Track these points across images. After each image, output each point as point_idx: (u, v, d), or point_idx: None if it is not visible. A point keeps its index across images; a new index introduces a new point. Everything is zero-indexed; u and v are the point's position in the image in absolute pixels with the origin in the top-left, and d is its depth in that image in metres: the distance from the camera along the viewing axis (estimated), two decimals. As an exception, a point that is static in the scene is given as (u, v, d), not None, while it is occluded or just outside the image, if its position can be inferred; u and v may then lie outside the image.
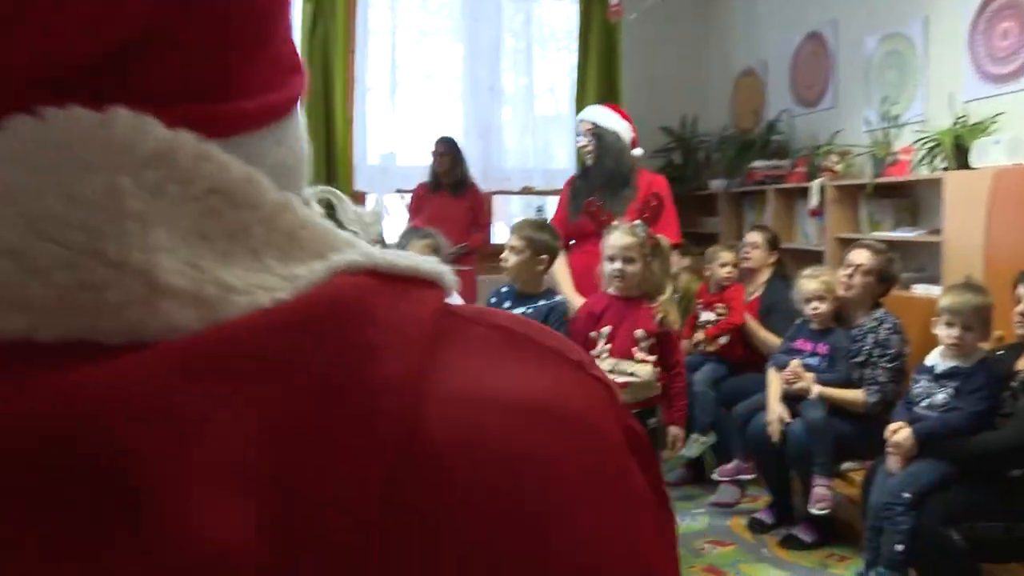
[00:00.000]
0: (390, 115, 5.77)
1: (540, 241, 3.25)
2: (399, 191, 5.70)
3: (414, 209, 5.31)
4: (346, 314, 0.36)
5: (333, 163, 5.61)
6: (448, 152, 5.18)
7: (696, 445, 3.95)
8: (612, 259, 3.07)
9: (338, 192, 0.65)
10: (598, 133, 3.84)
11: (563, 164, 5.91)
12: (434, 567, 0.33)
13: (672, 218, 3.76)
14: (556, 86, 6.13)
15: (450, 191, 5.16)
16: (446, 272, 0.45)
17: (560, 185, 5.42)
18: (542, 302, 3.23)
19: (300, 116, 0.49)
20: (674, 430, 3.16)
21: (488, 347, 0.43)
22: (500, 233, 5.84)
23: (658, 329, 3.07)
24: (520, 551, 0.35)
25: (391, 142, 5.84)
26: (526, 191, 6.08)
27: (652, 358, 3.04)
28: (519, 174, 5.95)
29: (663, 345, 3.09)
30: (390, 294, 0.39)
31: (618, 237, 3.07)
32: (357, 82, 5.72)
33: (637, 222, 3.14)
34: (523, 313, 3.21)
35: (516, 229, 3.28)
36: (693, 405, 3.90)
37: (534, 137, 5.95)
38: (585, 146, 3.84)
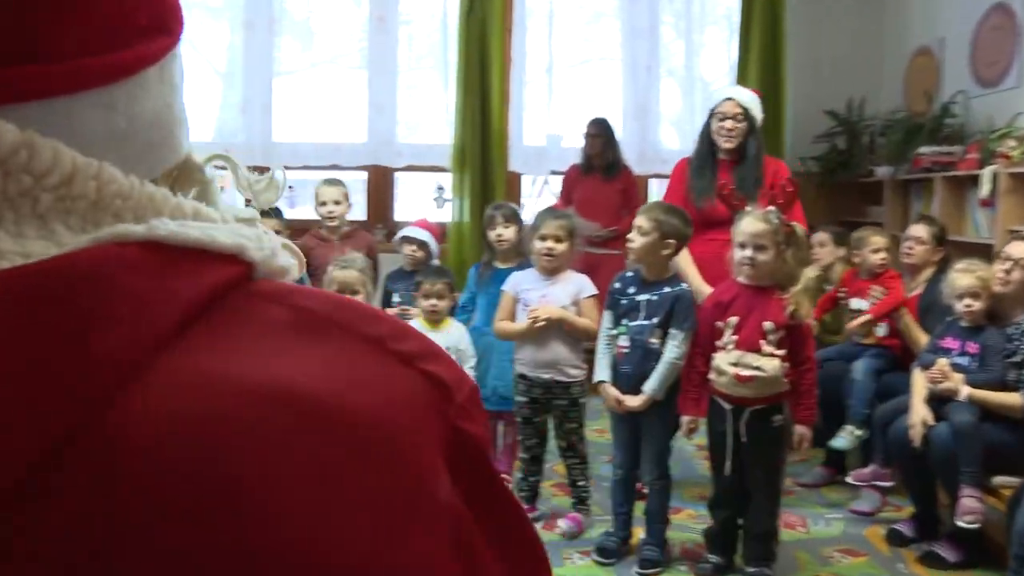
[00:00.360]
0: (547, 97, 5.77)
1: (669, 224, 3.14)
2: (553, 173, 5.69)
3: (565, 192, 5.30)
4: (74, 284, 0.35)
5: (488, 144, 5.66)
6: (600, 134, 5.12)
7: (849, 438, 3.73)
8: (743, 246, 2.94)
9: (232, 159, 0.63)
10: (749, 118, 3.71)
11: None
12: (86, 542, 0.32)
13: (798, 205, 3.60)
14: (716, 68, 5.93)
15: (602, 174, 5.11)
16: (254, 248, 0.43)
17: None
18: (667, 289, 3.14)
19: (160, 80, 0.47)
20: (800, 429, 3.00)
21: (272, 329, 0.41)
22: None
23: (788, 321, 2.91)
24: (202, 542, 0.33)
25: (550, 124, 5.85)
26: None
27: (780, 352, 2.90)
28: (676, 157, 5.77)
29: (793, 338, 2.94)
30: (153, 267, 0.38)
31: (749, 223, 2.93)
32: (514, 63, 5.75)
33: (771, 208, 2.99)
34: (646, 300, 3.14)
35: (645, 210, 3.19)
36: (849, 394, 3.72)
37: (692, 119, 5.78)
38: (732, 129, 3.69)
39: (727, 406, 2.97)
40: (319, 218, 4.28)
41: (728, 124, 3.66)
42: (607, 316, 3.25)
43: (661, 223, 3.15)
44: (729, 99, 3.73)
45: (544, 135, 5.84)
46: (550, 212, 3.54)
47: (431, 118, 5.92)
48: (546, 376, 3.41)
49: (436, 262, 4.18)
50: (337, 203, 4.15)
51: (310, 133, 5.90)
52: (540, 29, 5.74)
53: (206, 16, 6.09)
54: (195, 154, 0.59)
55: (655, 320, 3.12)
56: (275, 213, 4.12)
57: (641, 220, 3.15)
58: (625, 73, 5.72)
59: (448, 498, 0.42)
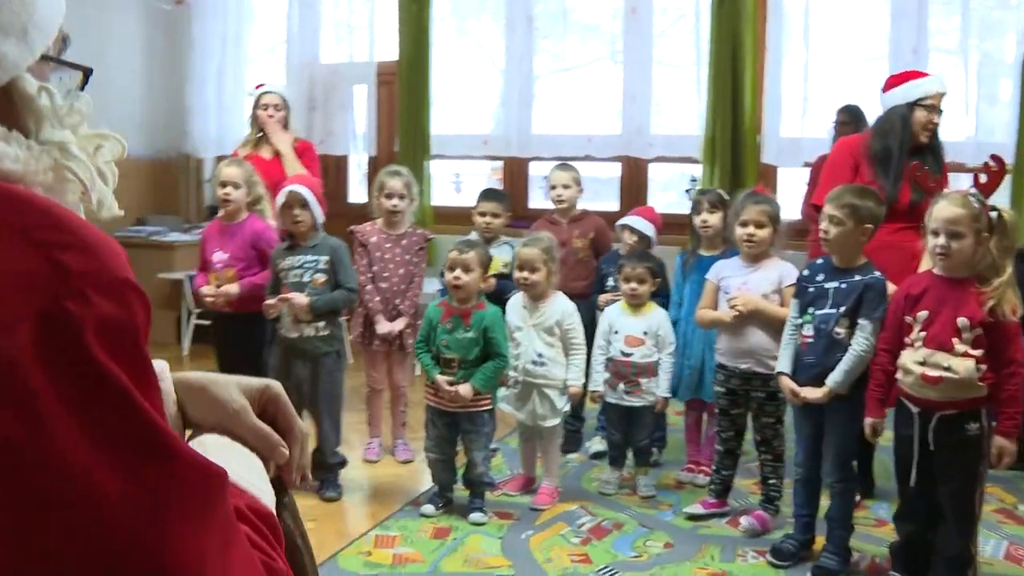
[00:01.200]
0: (804, 85, 5.49)
1: (865, 209, 2.94)
2: (807, 164, 5.40)
3: (812, 182, 5.03)
4: None
5: (739, 135, 5.52)
6: (850, 121, 4.81)
7: None
8: (936, 233, 2.65)
9: (48, 86, 0.79)
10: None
11: (1004, 136, 5.12)
12: None
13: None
14: (1002, 41, 5.29)
15: (854, 163, 4.79)
16: None
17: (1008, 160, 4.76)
18: (857, 277, 2.93)
19: None
20: (1000, 441, 2.65)
21: None
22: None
23: (987, 318, 2.59)
24: None
25: (808, 113, 5.57)
26: (957, 168, 5.37)
27: (976, 352, 2.59)
28: (948, 146, 5.27)
29: (994, 337, 2.61)
30: None
31: (944, 208, 2.65)
32: (769, 52, 5.54)
33: (972, 190, 2.68)
34: (835, 288, 2.94)
35: (835, 198, 2.98)
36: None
37: (967, 104, 5.23)
38: (936, 123, 3.41)
39: (915, 409, 2.71)
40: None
41: (936, 119, 3.36)
42: (794, 305, 3.09)
43: (857, 208, 2.95)
44: (943, 92, 3.40)
45: (801, 125, 5.57)
46: (751, 197, 3.41)
47: (684, 109, 5.87)
48: (743, 366, 3.30)
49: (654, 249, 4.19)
50: (566, 187, 4.24)
51: (566, 125, 6.08)
52: (797, 14, 5.47)
53: (489, 18, 6.46)
54: (28, 86, 0.75)
55: (842, 309, 2.92)
56: (497, 196, 4.29)
57: (831, 209, 2.95)
58: (890, 56, 5.29)
59: (10, 353, 0.53)
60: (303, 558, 1.25)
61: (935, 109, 3.37)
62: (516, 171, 6.38)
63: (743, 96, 5.49)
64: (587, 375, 3.66)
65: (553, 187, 4.27)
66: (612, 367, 3.65)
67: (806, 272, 3.08)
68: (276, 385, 0.97)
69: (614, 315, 3.71)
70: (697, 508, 3.48)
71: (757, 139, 5.55)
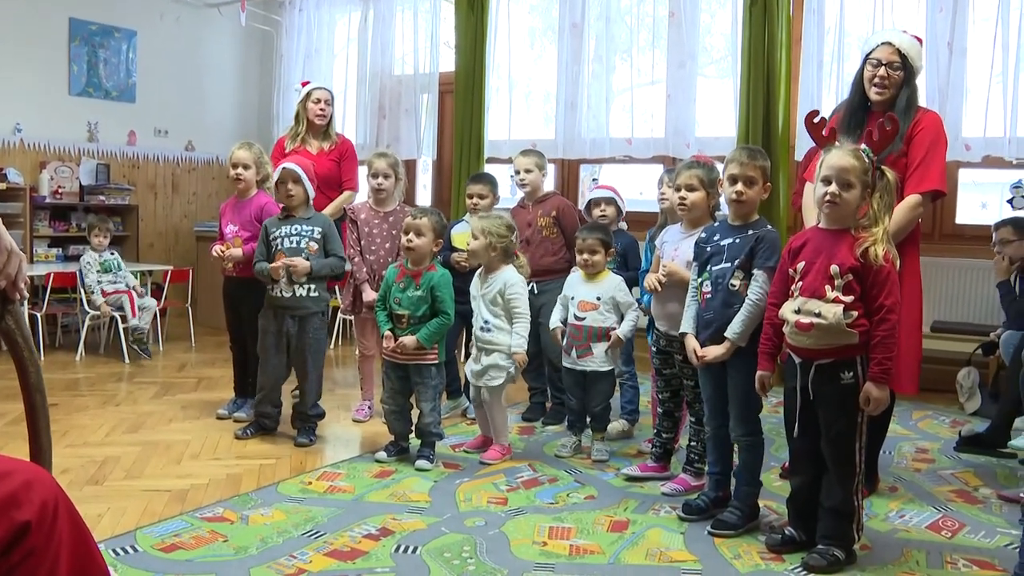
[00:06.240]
0: (836, 84, 5.45)
1: (769, 169, 3.01)
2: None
3: (805, 164, 5.02)
4: None
5: (770, 135, 5.54)
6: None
7: None
8: (827, 181, 2.68)
9: None
10: (907, 67, 3.30)
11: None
12: None
13: (935, 160, 3.18)
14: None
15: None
16: None
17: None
18: (750, 231, 3.00)
19: None
20: (867, 387, 2.60)
21: None
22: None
23: (858, 263, 2.59)
24: None
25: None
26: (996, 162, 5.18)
27: (847, 299, 2.60)
28: (982, 146, 5.12)
29: (866, 282, 2.60)
30: None
31: (838, 157, 2.68)
32: (804, 53, 5.56)
33: (862, 146, 2.72)
34: (729, 243, 3.01)
35: (748, 158, 3.00)
36: None
37: (1005, 100, 5.06)
38: (886, 78, 3.27)
39: (797, 360, 2.74)
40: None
41: (882, 72, 3.25)
42: (693, 268, 3.15)
43: (766, 170, 3.04)
44: (886, 43, 3.30)
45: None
46: (687, 163, 3.48)
47: (722, 109, 5.94)
48: (663, 328, 3.40)
49: (624, 224, 4.32)
50: (528, 171, 4.46)
51: (611, 128, 6.25)
52: (832, 13, 5.46)
53: (540, 27, 6.72)
54: None
55: (736, 261, 2.97)
56: (484, 179, 4.53)
57: (749, 171, 2.99)
58: (927, 52, 5.17)
59: None
60: (23, 351, 1.58)
61: (880, 63, 3.28)
62: (572, 172, 6.65)
63: (777, 96, 5.50)
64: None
65: (516, 172, 4.48)
66: (569, 331, 3.81)
67: (703, 235, 3.14)
68: None
69: (572, 283, 3.88)
70: (634, 470, 3.57)
71: (789, 139, 5.56)
